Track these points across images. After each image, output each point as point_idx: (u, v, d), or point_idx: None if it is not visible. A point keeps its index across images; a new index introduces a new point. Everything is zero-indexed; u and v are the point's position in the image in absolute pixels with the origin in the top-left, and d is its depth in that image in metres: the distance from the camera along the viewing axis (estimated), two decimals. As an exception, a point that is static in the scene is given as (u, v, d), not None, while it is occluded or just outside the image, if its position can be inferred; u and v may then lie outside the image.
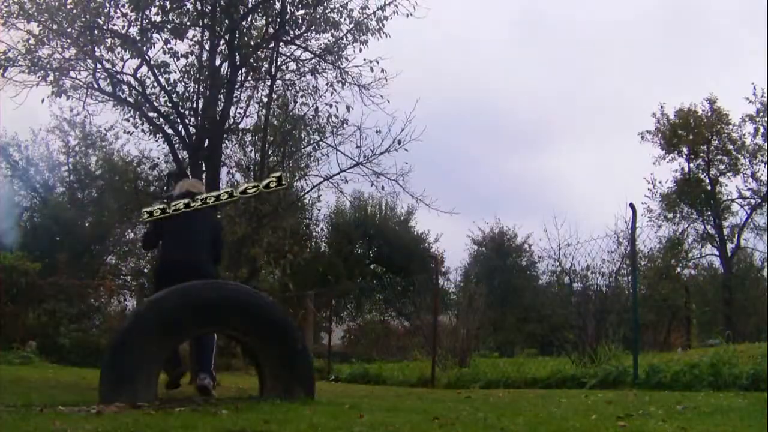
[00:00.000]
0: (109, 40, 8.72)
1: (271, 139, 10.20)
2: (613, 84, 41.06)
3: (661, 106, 23.47)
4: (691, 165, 23.51)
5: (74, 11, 8.28)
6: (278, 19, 9.23)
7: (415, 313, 14.47)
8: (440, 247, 24.86)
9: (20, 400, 3.99)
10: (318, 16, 9.34)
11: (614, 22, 39.86)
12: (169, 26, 8.94)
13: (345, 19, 9.40)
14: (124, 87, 9.09)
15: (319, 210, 21.62)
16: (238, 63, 9.16)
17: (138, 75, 8.96)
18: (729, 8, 38.20)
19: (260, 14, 9.57)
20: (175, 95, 9.06)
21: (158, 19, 8.82)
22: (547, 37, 42.05)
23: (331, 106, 9.77)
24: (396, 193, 10.25)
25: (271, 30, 9.44)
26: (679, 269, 21.62)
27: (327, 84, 9.76)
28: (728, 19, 36.93)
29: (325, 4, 9.33)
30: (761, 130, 22.19)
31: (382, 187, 9.86)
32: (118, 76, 8.94)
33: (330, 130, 9.94)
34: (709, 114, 22.96)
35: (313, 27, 9.45)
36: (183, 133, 9.07)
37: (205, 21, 9.09)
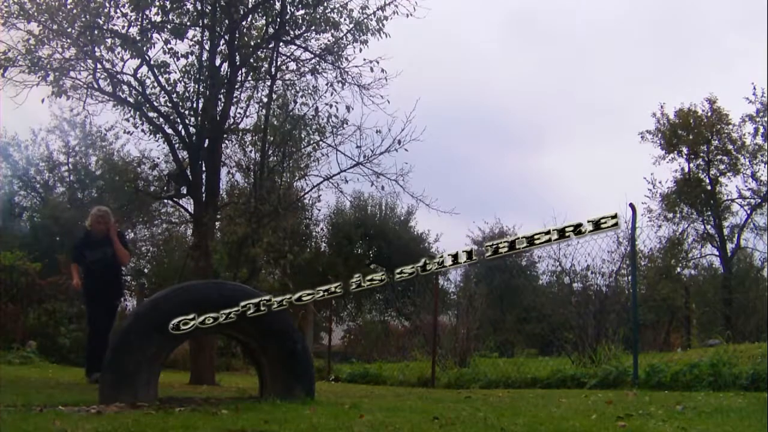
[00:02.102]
0: (109, 40, 8.70)
1: (271, 139, 10.18)
2: (613, 84, 41.13)
3: (661, 106, 23.46)
4: (691, 165, 23.49)
5: (74, 11, 8.26)
6: (278, 19, 9.22)
7: (415, 313, 14.47)
8: (440, 246, 24.87)
9: (20, 400, 3.99)
10: (318, 16, 9.32)
11: (614, 22, 39.93)
12: (169, 26, 8.93)
13: (345, 19, 9.39)
14: (124, 87, 9.07)
15: (319, 210, 21.60)
16: (238, 63, 9.15)
17: (138, 75, 8.94)
18: (729, 8, 38.25)
19: (260, 14, 9.54)
20: (175, 95, 9.05)
21: (158, 19, 8.80)
22: (546, 37, 42.08)
23: (331, 106, 9.76)
24: (396, 193, 10.23)
25: (271, 30, 9.43)
26: (679, 269, 21.62)
27: (327, 84, 9.75)
28: (729, 19, 36.96)
29: (325, 4, 9.31)
30: (761, 130, 22.17)
31: (382, 187, 9.85)
32: (118, 76, 8.92)
33: (330, 130, 9.93)
34: (709, 114, 22.94)
35: (313, 27, 9.43)
36: (183, 133, 9.06)
37: (205, 21, 9.08)
